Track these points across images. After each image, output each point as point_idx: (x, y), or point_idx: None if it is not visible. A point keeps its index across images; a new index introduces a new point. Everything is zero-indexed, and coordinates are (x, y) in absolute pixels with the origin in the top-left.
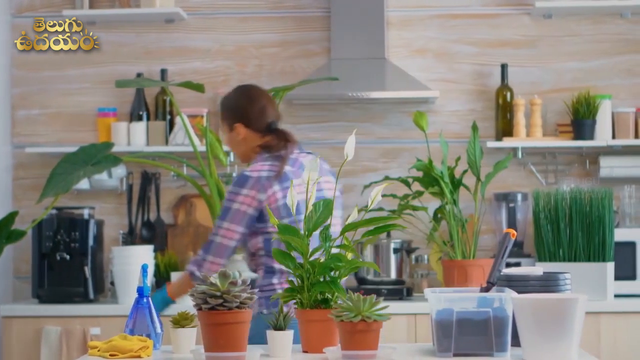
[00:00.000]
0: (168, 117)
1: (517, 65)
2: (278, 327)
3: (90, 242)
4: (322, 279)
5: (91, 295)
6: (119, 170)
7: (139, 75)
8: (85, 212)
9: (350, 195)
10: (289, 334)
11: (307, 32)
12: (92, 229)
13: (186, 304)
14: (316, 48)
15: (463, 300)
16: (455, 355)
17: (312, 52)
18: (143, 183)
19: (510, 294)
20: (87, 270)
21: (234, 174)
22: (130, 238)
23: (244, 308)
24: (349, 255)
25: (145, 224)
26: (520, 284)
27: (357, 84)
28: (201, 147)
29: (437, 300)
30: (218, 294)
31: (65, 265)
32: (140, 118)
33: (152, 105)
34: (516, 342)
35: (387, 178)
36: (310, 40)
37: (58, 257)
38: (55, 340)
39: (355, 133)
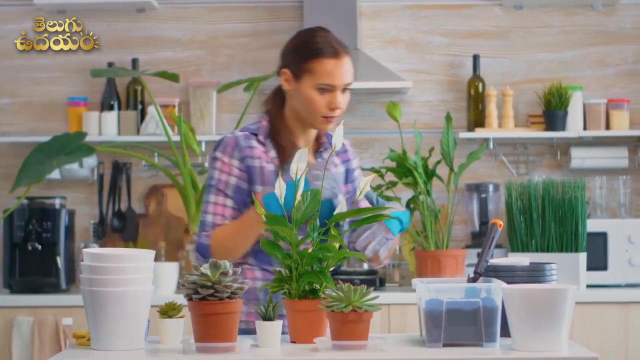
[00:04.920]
0: (139, 106)
1: (489, 56)
2: (267, 318)
3: (62, 232)
4: (310, 269)
5: (63, 286)
6: (90, 160)
7: (110, 64)
8: (57, 202)
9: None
10: (277, 325)
11: (279, 22)
12: (63, 219)
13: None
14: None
15: (452, 290)
16: (445, 345)
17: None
18: (114, 173)
19: (499, 285)
20: (59, 260)
21: (206, 164)
22: (101, 228)
23: (235, 298)
24: (337, 246)
25: (116, 214)
26: (507, 275)
27: None
28: (173, 137)
29: (426, 290)
30: (209, 284)
31: (36, 255)
32: (111, 108)
33: (123, 95)
34: (505, 332)
35: (361, 168)
36: (282, 30)
37: (29, 247)
38: (27, 330)
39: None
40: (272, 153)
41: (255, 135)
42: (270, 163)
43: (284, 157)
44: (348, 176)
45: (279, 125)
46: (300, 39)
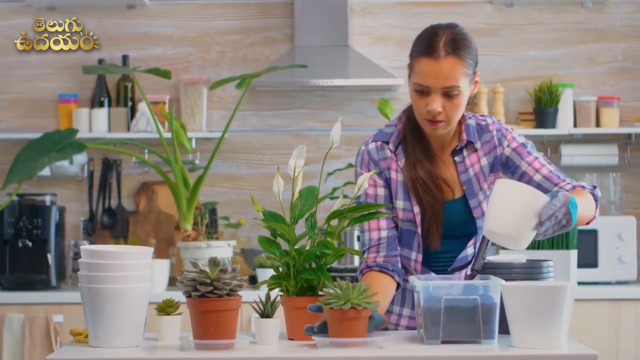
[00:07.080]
0: (130, 103)
1: (480, 54)
2: (265, 315)
3: (52, 229)
4: (307, 266)
5: (53, 282)
6: (80, 157)
7: (100, 61)
8: (47, 199)
9: (313, 183)
10: (275, 322)
11: (270, 19)
12: (54, 216)
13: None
14: (279, 35)
15: (450, 287)
16: (443, 342)
17: (275, 39)
18: (104, 170)
19: (498, 282)
20: (50, 257)
21: (197, 161)
22: (92, 225)
23: (234, 295)
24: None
25: (106, 211)
26: (505, 272)
27: (320, 71)
28: (164, 134)
29: (425, 287)
30: (208, 281)
31: (27, 252)
32: (101, 104)
33: (114, 92)
34: (502, 329)
35: (350, 166)
36: (273, 27)
37: (20, 244)
38: (18, 327)
39: (318, 120)
40: (402, 162)
41: (387, 143)
42: (398, 172)
43: (410, 165)
44: (494, 165)
45: (410, 128)
46: (417, 35)
